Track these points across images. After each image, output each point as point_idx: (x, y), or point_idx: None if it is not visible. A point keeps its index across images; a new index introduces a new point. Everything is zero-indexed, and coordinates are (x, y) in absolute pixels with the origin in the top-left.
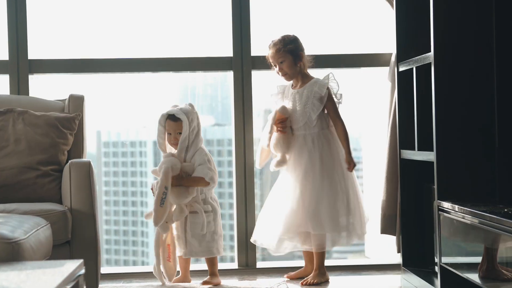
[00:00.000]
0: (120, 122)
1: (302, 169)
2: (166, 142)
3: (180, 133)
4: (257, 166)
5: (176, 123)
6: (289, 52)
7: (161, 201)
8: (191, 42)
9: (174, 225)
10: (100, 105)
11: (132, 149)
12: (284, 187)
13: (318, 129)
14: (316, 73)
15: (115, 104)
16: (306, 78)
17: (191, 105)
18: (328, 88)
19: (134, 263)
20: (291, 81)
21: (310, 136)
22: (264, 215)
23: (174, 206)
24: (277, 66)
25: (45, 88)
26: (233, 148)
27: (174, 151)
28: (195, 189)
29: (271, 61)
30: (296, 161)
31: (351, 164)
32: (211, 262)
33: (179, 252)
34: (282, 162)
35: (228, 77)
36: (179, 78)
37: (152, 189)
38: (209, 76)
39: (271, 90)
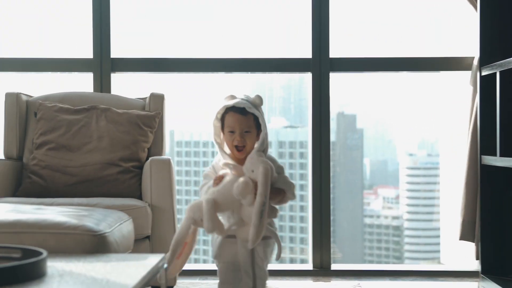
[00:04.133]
0: (193, 122)
1: None
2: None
3: (247, 132)
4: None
5: (244, 117)
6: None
7: (261, 214)
8: (270, 44)
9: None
10: (175, 105)
11: (204, 149)
12: None
13: None
14: (393, 76)
15: (189, 103)
16: None
17: (259, 97)
18: None
19: (204, 262)
20: None
21: None
22: None
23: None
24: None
25: (124, 86)
26: (309, 150)
27: (227, 162)
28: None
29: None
30: None
31: None
32: None
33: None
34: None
35: (304, 79)
36: (252, 80)
37: (215, 181)
38: (283, 78)
39: None
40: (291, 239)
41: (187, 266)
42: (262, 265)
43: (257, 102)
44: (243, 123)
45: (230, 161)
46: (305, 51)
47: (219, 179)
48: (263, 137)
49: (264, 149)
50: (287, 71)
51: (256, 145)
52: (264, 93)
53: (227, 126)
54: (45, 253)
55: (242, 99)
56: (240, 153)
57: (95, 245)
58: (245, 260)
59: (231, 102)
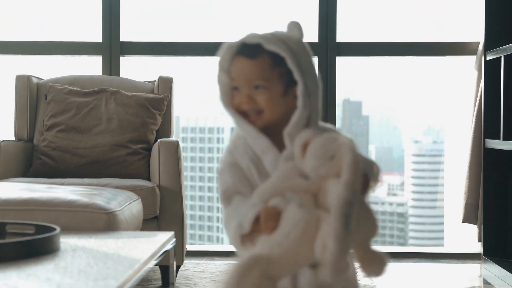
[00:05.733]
0: (198, 108)
1: None
2: None
3: (259, 87)
4: None
5: (254, 62)
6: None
7: (346, 219)
8: (276, 28)
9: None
10: (181, 90)
11: (210, 135)
12: None
13: None
14: (399, 62)
15: (194, 89)
16: None
17: (296, 25)
18: None
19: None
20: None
21: None
22: None
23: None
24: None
25: (132, 69)
26: None
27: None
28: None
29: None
30: None
31: None
32: None
33: None
34: None
35: None
36: None
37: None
38: None
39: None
40: None
41: (194, 247)
42: None
43: (295, 35)
44: (250, 73)
45: (269, 147)
46: (311, 36)
47: (271, 217)
48: (305, 92)
49: (310, 116)
50: None
51: (297, 112)
52: None
53: (233, 77)
54: (58, 229)
55: (262, 34)
56: (254, 120)
57: (106, 222)
58: None
59: (239, 39)
